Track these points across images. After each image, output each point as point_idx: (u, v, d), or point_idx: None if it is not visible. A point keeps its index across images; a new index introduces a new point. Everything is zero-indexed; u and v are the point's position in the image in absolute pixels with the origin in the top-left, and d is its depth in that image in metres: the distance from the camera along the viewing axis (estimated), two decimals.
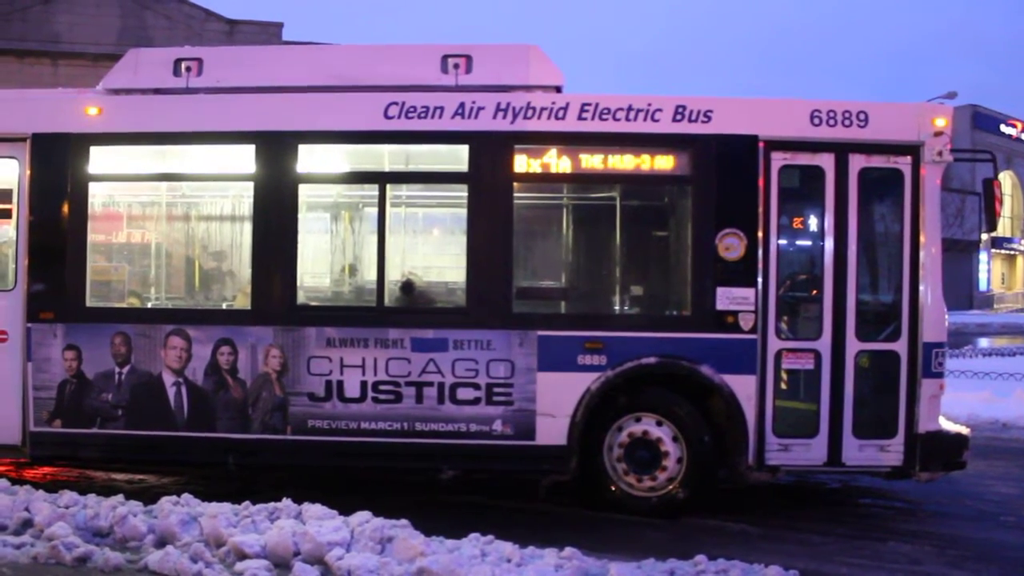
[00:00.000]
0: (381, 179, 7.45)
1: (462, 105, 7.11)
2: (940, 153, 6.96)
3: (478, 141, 7.11)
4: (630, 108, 7.07)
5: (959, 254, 43.39)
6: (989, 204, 7.43)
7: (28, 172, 7.29)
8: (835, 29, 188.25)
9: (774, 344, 6.98)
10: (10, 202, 7.38)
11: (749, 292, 6.96)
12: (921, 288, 6.98)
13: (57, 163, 7.28)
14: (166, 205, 8.10)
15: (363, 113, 7.21)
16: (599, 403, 6.98)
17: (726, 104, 7.12)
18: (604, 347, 6.97)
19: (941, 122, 7.01)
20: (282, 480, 7.61)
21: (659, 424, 7.04)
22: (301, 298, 7.43)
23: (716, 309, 6.96)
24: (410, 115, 7.12)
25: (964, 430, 7.24)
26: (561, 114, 7.08)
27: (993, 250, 56.11)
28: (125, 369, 7.21)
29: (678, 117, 7.05)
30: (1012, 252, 61.27)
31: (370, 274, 7.53)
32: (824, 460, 7.01)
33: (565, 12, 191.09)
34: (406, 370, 7.04)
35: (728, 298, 6.96)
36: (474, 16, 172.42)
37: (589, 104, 7.09)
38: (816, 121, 7.02)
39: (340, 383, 7.07)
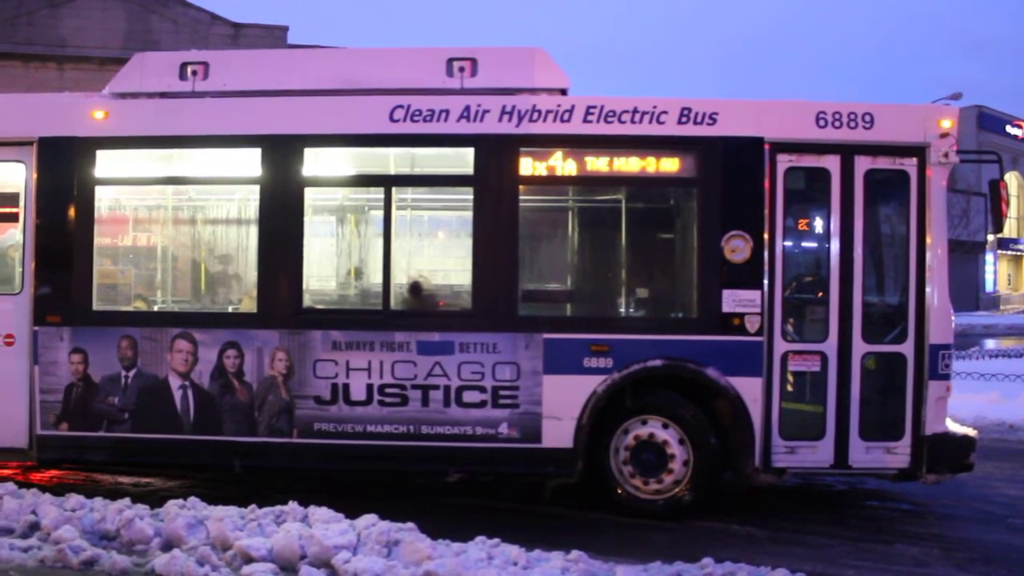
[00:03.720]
0: (386, 182, 7.46)
1: (467, 108, 7.11)
2: (946, 154, 6.95)
3: (483, 144, 7.11)
4: (635, 110, 7.07)
5: (965, 255, 43.36)
6: (995, 205, 7.42)
7: (34, 176, 7.31)
8: (836, 27, 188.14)
9: (780, 346, 6.97)
10: (17, 206, 7.40)
11: (755, 294, 6.95)
12: (927, 290, 6.97)
13: (63, 167, 7.30)
14: (172, 209, 8.11)
15: (368, 116, 7.22)
16: (605, 405, 6.98)
17: (731, 106, 7.11)
18: (610, 350, 6.96)
19: (947, 123, 7.00)
20: (288, 483, 7.61)
21: (665, 427, 7.03)
22: (307, 301, 7.42)
23: (722, 311, 6.95)
24: (415, 118, 7.12)
25: (971, 432, 7.21)
26: (566, 117, 7.09)
27: (999, 251, 55.98)
28: (131, 372, 7.23)
29: (683, 119, 7.05)
30: (1018, 253, 61.11)
31: (376, 277, 7.54)
32: (830, 462, 7.01)
33: (569, 14, 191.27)
34: (412, 373, 7.04)
35: (734, 300, 6.95)
36: (479, 19, 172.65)
37: (594, 107, 7.09)
38: (821, 123, 7.02)
39: (346, 386, 7.08)
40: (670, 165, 7.16)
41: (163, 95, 7.52)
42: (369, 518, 5.79)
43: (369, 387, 7.06)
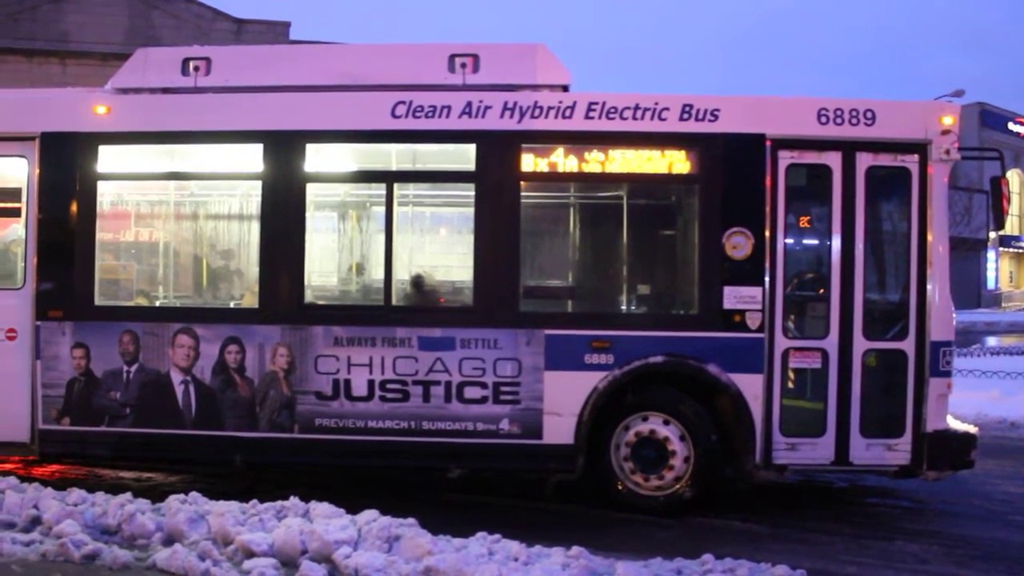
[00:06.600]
0: (388, 178, 7.47)
1: (469, 104, 7.11)
2: (948, 151, 6.95)
3: (485, 140, 7.11)
4: (637, 107, 7.07)
5: (967, 252, 43.30)
6: (997, 202, 7.42)
7: (37, 171, 7.32)
8: (839, 23, 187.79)
9: (781, 343, 6.97)
10: (19, 201, 7.41)
11: (756, 291, 6.95)
12: (928, 287, 6.97)
13: (66, 162, 7.31)
14: (174, 204, 8.11)
15: (370, 112, 7.22)
16: (606, 402, 6.98)
17: (733, 103, 7.11)
18: (611, 346, 6.97)
19: (949, 120, 6.99)
20: (289, 479, 7.62)
21: (666, 423, 7.03)
22: (308, 297, 7.44)
23: (723, 308, 6.95)
24: (417, 114, 7.13)
25: (972, 429, 7.22)
26: (568, 113, 7.08)
27: (1001, 248, 55.89)
28: (133, 367, 7.24)
29: (685, 116, 7.04)
30: (1020, 250, 61.02)
31: (377, 273, 7.56)
32: (831, 459, 7.01)
33: (570, 10, 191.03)
34: (413, 369, 7.05)
35: (735, 297, 6.95)
36: (482, 15, 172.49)
37: (596, 103, 7.09)
38: (823, 119, 7.01)
39: (347, 382, 7.08)
40: (671, 161, 7.15)
41: (165, 90, 7.52)
42: (370, 513, 5.79)
43: (370, 383, 7.07)
